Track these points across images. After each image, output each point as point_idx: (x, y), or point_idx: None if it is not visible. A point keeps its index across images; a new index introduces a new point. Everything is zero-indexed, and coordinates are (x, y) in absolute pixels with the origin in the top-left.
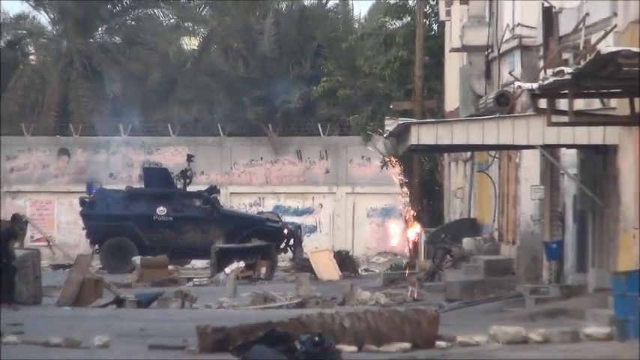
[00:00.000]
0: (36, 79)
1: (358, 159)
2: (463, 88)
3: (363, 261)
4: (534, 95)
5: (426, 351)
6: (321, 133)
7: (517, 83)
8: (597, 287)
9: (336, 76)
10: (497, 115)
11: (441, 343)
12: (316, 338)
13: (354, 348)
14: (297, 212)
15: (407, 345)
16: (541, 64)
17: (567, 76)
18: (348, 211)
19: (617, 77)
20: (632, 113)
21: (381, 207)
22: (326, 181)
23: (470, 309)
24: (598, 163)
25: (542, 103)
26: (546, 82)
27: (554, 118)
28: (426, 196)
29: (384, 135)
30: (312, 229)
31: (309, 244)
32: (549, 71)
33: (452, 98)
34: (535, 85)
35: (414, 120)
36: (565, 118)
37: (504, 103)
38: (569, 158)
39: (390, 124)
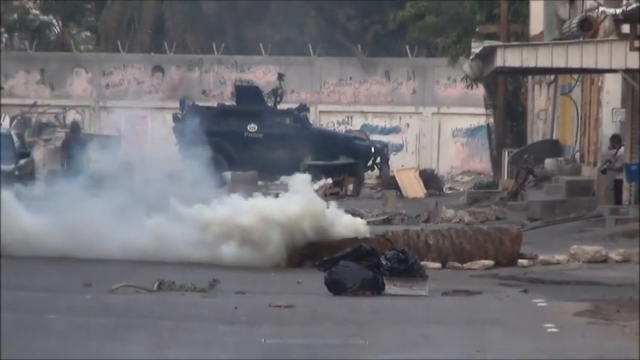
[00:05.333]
0: None
1: (444, 80)
2: (547, 13)
3: (448, 180)
4: (618, 20)
5: (508, 268)
6: (409, 55)
7: (601, 9)
8: None
9: (424, 1)
10: (581, 40)
11: (522, 261)
12: (401, 255)
13: (438, 264)
14: (384, 131)
15: (490, 262)
16: None
17: None
18: (434, 131)
19: None
20: None
21: (466, 127)
22: (413, 101)
23: (551, 228)
24: None
25: (626, 28)
26: (630, 7)
27: (637, 43)
28: (510, 117)
29: (471, 57)
30: (399, 148)
31: (395, 162)
32: None
33: (536, 22)
34: (619, 11)
35: (500, 43)
36: None
37: (587, 28)
38: None
39: (477, 47)
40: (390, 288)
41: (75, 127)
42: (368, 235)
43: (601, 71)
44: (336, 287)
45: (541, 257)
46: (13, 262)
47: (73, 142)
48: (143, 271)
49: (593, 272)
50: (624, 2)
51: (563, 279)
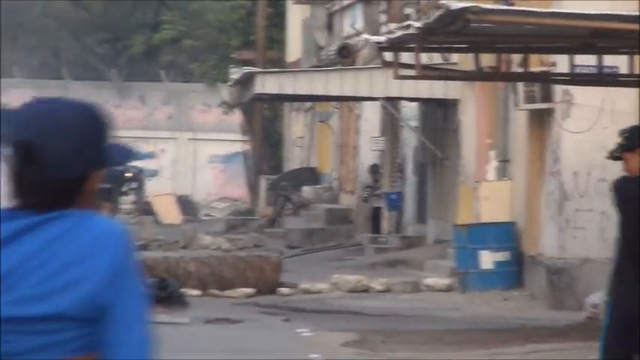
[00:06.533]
0: None
1: (200, 105)
2: (305, 40)
3: (204, 206)
4: (381, 48)
5: (269, 297)
6: (164, 79)
7: (364, 36)
8: (436, 239)
9: (179, 25)
10: (341, 67)
11: (283, 290)
12: (162, 282)
13: (198, 292)
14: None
15: (250, 290)
16: (382, 17)
17: (415, 30)
18: (189, 157)
19: (464, 33)
20: (477, 69)
21: (223, 153)
22: (168, 126)
23: (310, 256)
24: (439, 116)
25: (388, 56)
26: (394, 35)
27: (400, 72)
28: (267, 144)
29: (229, 83)
30: (154, 174)
31: (151, 188)
32: (392, 25)
33: (294, 49)
34: (383, 39)
35: (259, 69)
36: (409, 72)
37: (346, 55)
38: (409, 111)
39: (236, 73)
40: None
41: None
42: None
43: (361, 99)
44: None
45: (302, 286)
46: None
47: None
48: None
49: (356, 302)
50: (384, 30)
51: (325, 308)
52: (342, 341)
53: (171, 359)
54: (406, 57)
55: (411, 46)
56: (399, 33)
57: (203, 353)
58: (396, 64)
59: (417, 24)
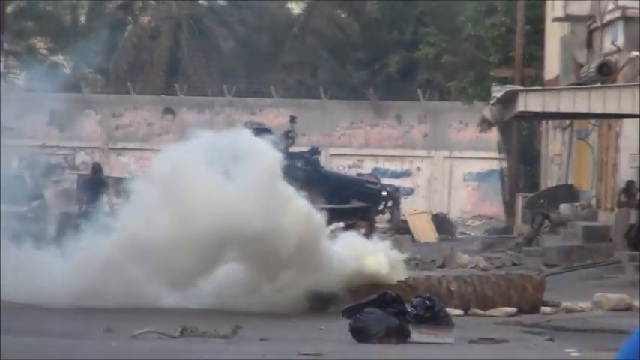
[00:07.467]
0: (145, 40)
1: (456, 124)
2: (564, 57)
3: (459, 224)
4: None
5: (532, 316)
6: (421, 98)
7: (634, 53)
8: None
9: (440, 41)
10: (604, 85)
11: (545, 309)
12: (427, 301)
13: (459, 311)
14: (395, 175)
15: (512, 309)
16: None
17: None
18: (445, 175)
19: None
20: None
21: (477, 171)
22: (424, 145)
23: (569, 274)
24: None
25: None
26: None
27: None
28: (523, 161)
29: (491, 102)
30: (410, 192)
31: (406, 206)
32: None
33: (552, 66)
34: None
35: (522, 87)
36: None
37: (606, 73)
38: None
39: (498, 91)
40: (415, 335)
41: (96, 168)
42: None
43: (624, 116)
44: (361, 334)
45: (564, 304)
46: (27, 309)
47: (93, 183)
48: (162, 317)
49: (619, 320)
50: None
51: (588, 327)
52: None
53: None
54: None
55: None
56: None
57: None
58: None
59: None
